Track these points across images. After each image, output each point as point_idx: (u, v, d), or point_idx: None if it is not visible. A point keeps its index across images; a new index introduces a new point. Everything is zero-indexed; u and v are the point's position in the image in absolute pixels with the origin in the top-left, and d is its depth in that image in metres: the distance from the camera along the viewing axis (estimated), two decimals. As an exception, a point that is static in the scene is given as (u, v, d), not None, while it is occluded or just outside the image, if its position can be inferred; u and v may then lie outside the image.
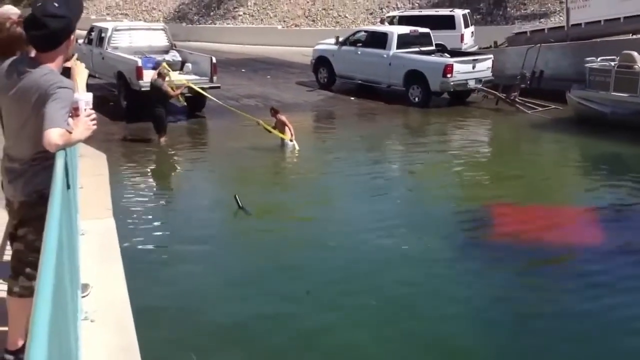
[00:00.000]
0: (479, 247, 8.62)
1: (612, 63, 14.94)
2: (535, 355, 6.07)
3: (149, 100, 13.75)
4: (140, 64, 15.27)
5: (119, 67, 16.06)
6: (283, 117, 13.31)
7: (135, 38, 17.55)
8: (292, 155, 12.97)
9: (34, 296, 1.92)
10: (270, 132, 13.13)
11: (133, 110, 15.33)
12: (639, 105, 14.12)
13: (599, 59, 15.45)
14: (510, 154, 14.27)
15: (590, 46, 18.16)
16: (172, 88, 13.82)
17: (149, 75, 14.68)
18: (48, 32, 3.36)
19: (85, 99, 3.53)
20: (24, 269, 3.56)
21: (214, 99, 14.93)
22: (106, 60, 16.79)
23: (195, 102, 15.77)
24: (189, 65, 16.77)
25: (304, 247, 8.30)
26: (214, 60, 16.23)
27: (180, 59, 17.11)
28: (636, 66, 14.45)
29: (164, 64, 15.08)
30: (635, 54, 14.69)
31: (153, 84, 13.56)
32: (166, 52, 17.44)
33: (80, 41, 16.99)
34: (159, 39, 17.89)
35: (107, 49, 16.86)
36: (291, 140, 13.03)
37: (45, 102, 3.25)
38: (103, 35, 17.20)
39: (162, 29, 18.71)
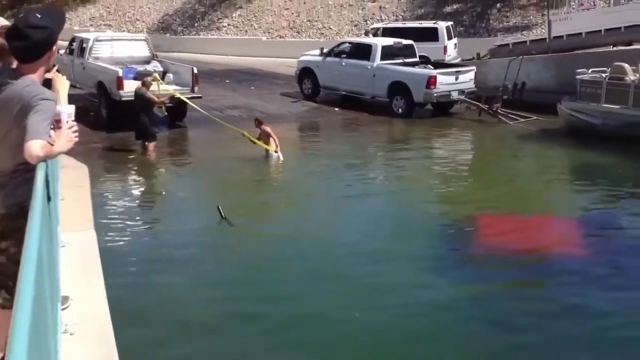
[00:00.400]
0: (462, 255, 8.66)
1: (604, 75, 14.90)
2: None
3: (131, 110, 13.70)
4: (121, 74, 15.23)
5: (99, 77, 16.00)
6: (267, 128, 13.30)
7: (117, 48, 17.51)
8: (277, 165, 12.96)
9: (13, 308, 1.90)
10: (255, 143, 13.12)
11: (114, 120, 15.30)
12: (630, 117, 14.10)
13: (589, 70, 15.40)
14: (493, 164, 14.32)
15: (572, 58, 18.33)
16: (156, 96, 13.81)
17: (129, 86, 14.64)
18: (30, 43, 3.35)
19: (67, 111, 3.51)
20: (6, 281, 3.52)
21: (200, 109, 14.89)
22: (87, 71, 16.73)
23: (176, 112, 15.74)
24: (170, 76, 16.72)
25: (287, 256, 8.30)
26: (195, 71, 16.24)
27: (161, 69, 17.07)
28: (627, 78, 14.43)
29: (155, 74, 15.10)
30: (626, 65, 14.64)
31: (137, 93, 13.53)
32: (147, 62, 17.42)
33: (62, 51, 16.91)
34: (141, 50, 17.85)
35: (88, 60, 16.79)
36: (276, 151, 13.01)
37: (28, 114, 3.23)
38: (84, 45, 17.12)
39: (143, 40, 18.68)
